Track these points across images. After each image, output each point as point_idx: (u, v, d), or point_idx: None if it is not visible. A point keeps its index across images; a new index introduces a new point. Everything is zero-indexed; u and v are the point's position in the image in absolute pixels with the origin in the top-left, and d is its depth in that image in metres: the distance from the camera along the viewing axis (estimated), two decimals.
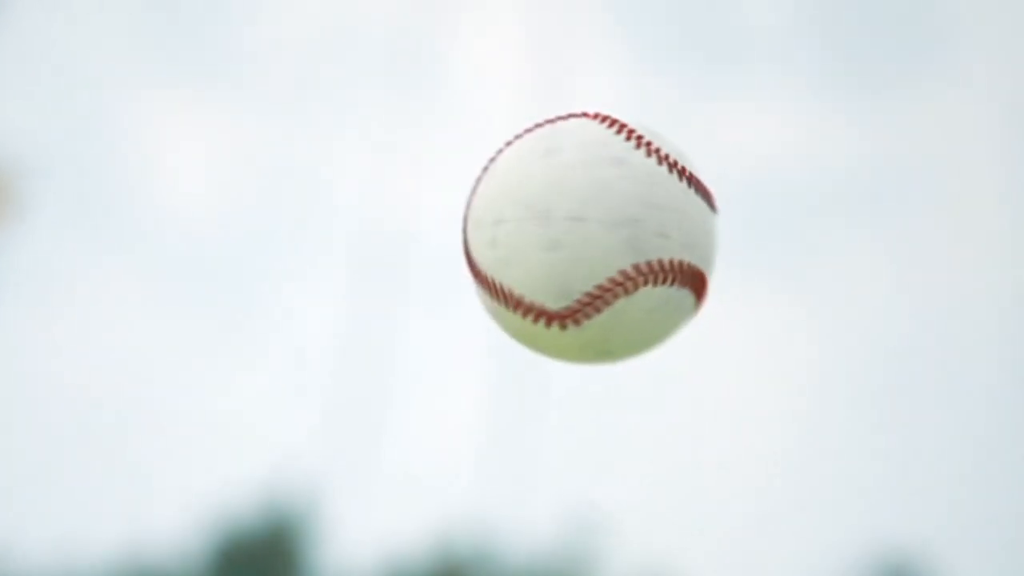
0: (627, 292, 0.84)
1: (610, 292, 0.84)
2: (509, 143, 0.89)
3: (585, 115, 0.88)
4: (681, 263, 0.86)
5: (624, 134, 0.86)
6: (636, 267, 0.84)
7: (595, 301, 0.84)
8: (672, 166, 0.86)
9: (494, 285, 0.86)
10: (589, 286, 0.83)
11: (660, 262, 0.84)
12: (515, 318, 0.86)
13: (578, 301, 0.84)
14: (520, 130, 0.89)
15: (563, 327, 0.85)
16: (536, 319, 0.85)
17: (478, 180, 0.89)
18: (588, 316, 0.84)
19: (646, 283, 0.85)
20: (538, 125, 0.88)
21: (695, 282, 0.88)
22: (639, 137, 0.86)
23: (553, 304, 0.84)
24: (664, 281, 0.85)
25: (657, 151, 0.86)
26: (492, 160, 0.89)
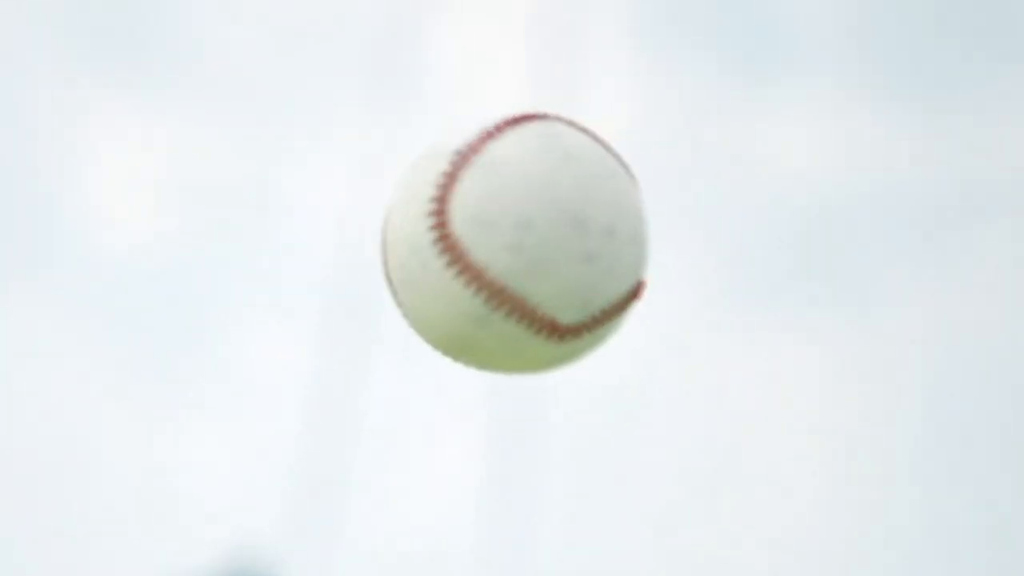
0: (625, 308, 0.85)
1: (617, 308, 0.83)
2: (491, 136, 0.81)
3: (558, 117, 0.86)
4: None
5: (600, 143, 0.86)
6: (638, 283, 0.86)
7: (604, 317, 0.83)
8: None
9: (501, 291, 0.79)
10: (607, 303, 0.82)
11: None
12: (511, 326, 0.80)
13: (592, 317, 0.82)
14: (483, 120, 0.84)
15: (560, 339, 0.82)
16: (539, 330, 0.81)
17: (455, 171, 0.80)
18: (590, 331, 0.82)
19: (635, 298, 0.87)
20: (515, 119, 0.83)
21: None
22: (607, 146, 0.87)
23: (566, 318, 0.81)
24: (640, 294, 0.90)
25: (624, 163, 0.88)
26: (472, 152, 0.80)
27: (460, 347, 0.83)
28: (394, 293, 0.84)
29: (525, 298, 0.78)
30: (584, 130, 0.85)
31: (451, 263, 0.77)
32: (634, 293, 0.85)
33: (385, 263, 0.84)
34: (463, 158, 0.79)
